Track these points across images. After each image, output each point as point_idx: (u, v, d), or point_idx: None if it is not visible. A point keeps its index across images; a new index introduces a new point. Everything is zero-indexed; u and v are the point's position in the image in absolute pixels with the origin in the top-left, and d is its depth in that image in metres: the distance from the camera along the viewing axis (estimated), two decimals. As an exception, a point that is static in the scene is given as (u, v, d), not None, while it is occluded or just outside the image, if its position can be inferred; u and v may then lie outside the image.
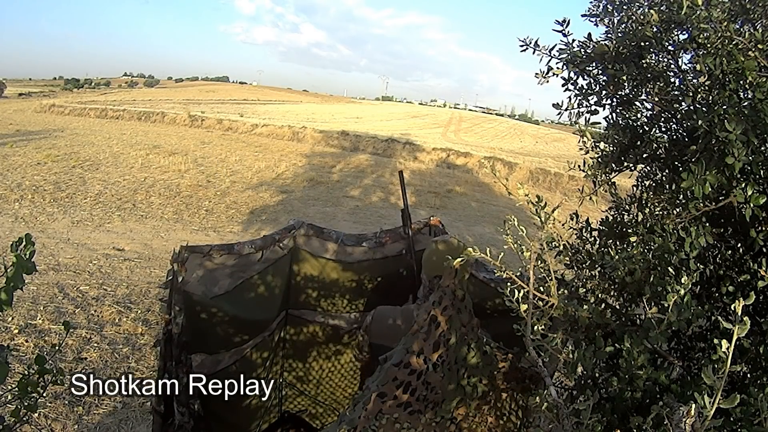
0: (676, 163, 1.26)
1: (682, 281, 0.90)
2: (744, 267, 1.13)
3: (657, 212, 1.25)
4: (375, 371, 1.32)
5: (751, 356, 1.01)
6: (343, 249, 1.85)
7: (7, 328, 3.07)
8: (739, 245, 1.18)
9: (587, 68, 1.28)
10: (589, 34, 1.27)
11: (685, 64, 1.24)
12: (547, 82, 1.30)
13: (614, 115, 1.34)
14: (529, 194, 1.03)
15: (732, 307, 0.71)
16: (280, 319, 1.89)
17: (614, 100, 1.31)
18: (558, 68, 1.28)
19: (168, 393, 1.49)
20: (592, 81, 1.30)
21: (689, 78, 1.21)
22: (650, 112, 1.32)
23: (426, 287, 1.52)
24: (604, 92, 1.30)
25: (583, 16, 1.31)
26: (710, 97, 1.12)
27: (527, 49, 1.29)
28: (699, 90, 1.15)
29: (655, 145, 1.31)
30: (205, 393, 1.57)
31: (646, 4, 1.25)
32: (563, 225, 1.33)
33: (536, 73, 1.29)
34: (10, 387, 2.09)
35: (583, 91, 1.30)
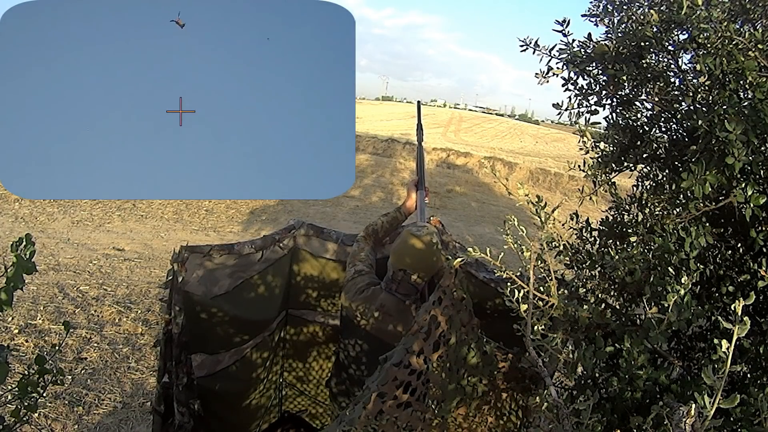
0: (676, 163, 1.26)
1: (682, 281, 0.90)
2: (744, 267, 1.13)
3: (657, 212, 1.25)
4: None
5: (751, 356, 1.01)
6: (343, 249, 1.85)
7: (7, 328, 3.07)
8: (739, 245, 1.18)
9: (587, 68, 1.28)
10: (589, 34, 1.27)
11: (685, 64, 1.24)
12: (547, 82, 1.30)
13: (614, 115, 1.34)
14: (529, 194, 1.03)
15: (732, 307, 0.71)
16: (280, 319, 1.89)
17: (614, 100, 1.31)
18: (558, 68, 1.28)
19: (168, 393, 1.49)
20: (592, 81, 1.30)
21: (689, 78, 1.21)
22: (650, 112, 1.32)
23: (389, 277, 1.51)
24: (604, 92, 1.30)
25: (583, 16, 1.31)
26: (710, 97, 1.12)
27: (527, 49, 1.29)
28: (699, 90, 1.15)
29: (655, 145, 1.31)
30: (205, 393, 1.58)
31: (646, 4, 1.25)
32: (563, 225, 1.33)
33: (536, 73, 1.29)
34: (10, 387, 2.09)
35: (583, 91, 1.30)
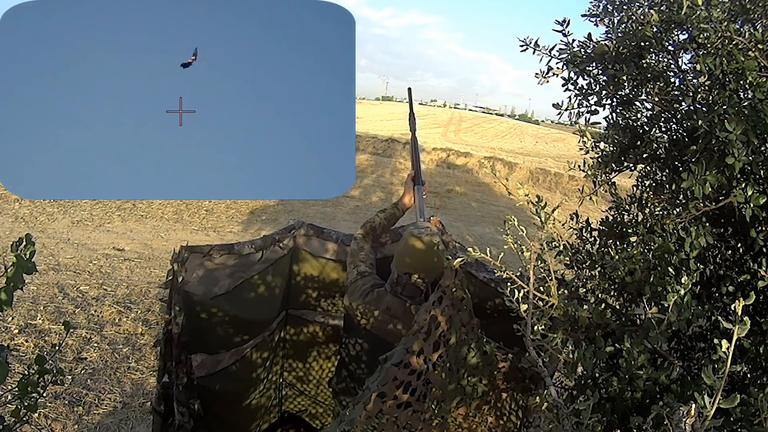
0: (676, 163, 1.26)
1: (682, 281, 0.90)
2: (744, 267, 1.13)
3: (657, 212, 1.25)
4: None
5: (751, 356, 1.01)
6: (343, 249, 1.85)
7: (7, 328, 3.07)
8: (739, 245, 1.18)
9: (587, 68, 1.28)
10: (589, 34, 1.27)
11: (685, 64, 1.24)
12: (547, 82, 1.30)
13: (614, 115, 1.34)
14: (529, 194, 1.03)
15: (732, 307, 0.71)
16: (280, 319, 1.89)
17: (614, 100, 1.31)
18: (558, 68, 1.28)
19: (168, 393, 1.49)
20: (592, 81, 1.30)
21: (689, 78, 1.21)
22: (650, 112, 1.32)
23: (393, 279, 1.50)
24: (604, 92, 1.30)
25: (583, 16, 1.31)
26: (710, 97, 1.12)
27: (527, 49, 1.29)
28: (699, 90, 1.15)
29: (655, 145, 1.31)
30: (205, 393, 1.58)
31: (646, 4, 1.25)
32: (563, 225, 1.33)
33: (536, 73, 1.29)
34: (10, 387, 2.09)
35: (583, 91, 1.30)
